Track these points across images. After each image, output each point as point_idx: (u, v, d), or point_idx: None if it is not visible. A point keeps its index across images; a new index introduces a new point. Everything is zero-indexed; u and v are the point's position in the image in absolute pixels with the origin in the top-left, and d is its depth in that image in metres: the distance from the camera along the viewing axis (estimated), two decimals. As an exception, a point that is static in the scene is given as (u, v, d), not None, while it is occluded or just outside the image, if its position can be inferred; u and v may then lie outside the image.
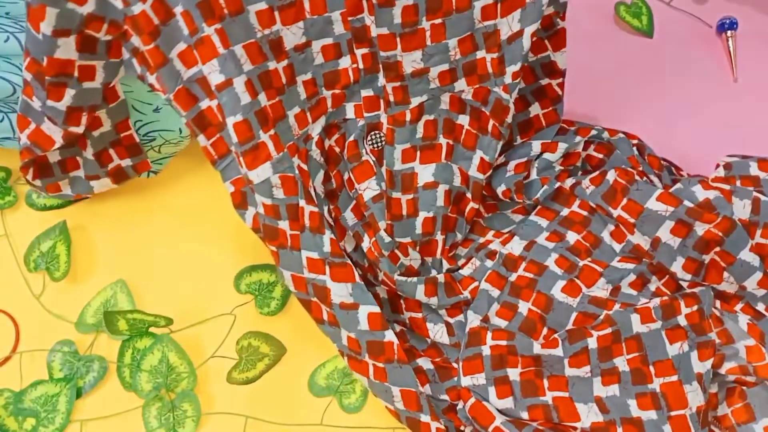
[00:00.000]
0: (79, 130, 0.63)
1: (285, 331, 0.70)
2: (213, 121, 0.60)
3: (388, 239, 0.67)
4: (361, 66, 0.67)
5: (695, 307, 0.63)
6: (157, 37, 0.58)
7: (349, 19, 0.64)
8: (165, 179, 0.78)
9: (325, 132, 0.69)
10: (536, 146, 0.73)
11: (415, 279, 0.66)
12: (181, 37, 0.58)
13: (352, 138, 0.70)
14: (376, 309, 0.63)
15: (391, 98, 0.66)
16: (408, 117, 0.67)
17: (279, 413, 0.66)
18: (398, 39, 0.64)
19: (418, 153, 0.69)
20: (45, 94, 0.61)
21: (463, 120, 0.69)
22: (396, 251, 0.67)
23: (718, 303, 0.66)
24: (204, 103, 0.60)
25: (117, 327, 0.66)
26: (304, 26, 0.64)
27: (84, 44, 0.60)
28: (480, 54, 0.67)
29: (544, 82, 0.75)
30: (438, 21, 0.65)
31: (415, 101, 0.67)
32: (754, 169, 0.71)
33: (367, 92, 0.69)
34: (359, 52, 0.66)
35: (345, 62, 0.67)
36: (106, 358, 0.67)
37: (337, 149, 0.70)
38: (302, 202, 0.62)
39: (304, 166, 0.65)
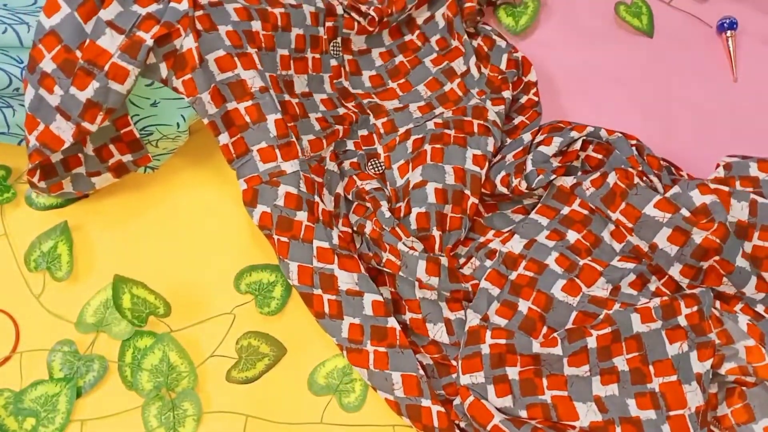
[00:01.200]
0: (93, 128, 0.64)
1: (285, 331, 0.70)
2: (237, 122, 0.68)
3: (388, 214, 0.70)
4: (355, 110, 0.79)
5: (695, 308, 0.63)
6: (199, 38, 0.65)
7: (334, 81, 0.79)
8: (165, 179, 0.78)
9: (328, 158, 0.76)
10: (527, 137, 0.78)
11: (417, 253, 0.68)
12: (221, 46, 0.66)
13: (355, 159, 0.77)
14: (380, 297, 0.67)
15: (382, 131, 0.80)
16: (397, 140, 0.79)
17: (279, 412, 0.66)
18: (374, 95, 0.82)
19: (411, 164, 0.76)
20: (70, 81, 0.62)
21: (450, 131, 0.76)
22: (396, 229, 0.70)
23: (717, 303, 0.66)
24: (231, 105, 0.67)
25: (121, 301, 0.66)
26: (307, 79, 0.77)
27: (129, 47, 0.63)
28: (447, 87, 0.83)
29: (524, 99, 0.84)
30: (402, 80, 0.84)
31: (402, 129, 0.80)
32: (753, 170, 0.71)
33: (362, 131, 0.80)
34: (348, 104, 0.80)
35: (342, 110, 0.78)
36: (107, 357, 0.67)
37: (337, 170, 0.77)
38: (317, 199, 0.69)
39: (318, 179, 0.72)
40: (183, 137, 0.73)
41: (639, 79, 0.89)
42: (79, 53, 0.63)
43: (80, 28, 0.63)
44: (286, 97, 0.72)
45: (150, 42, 0.63)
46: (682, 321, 0.62)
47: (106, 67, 0.62)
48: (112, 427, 0.65)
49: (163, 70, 0.65)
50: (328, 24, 0.78)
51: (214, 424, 0.65)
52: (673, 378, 0.61)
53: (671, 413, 0.60)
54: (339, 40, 0.81)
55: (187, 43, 0.64)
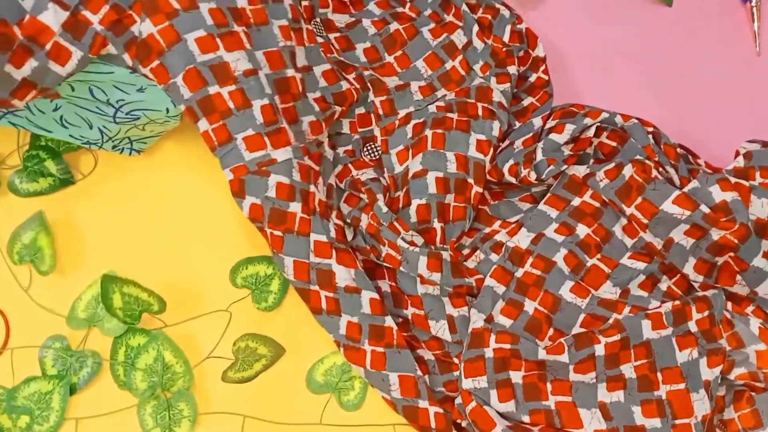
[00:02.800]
0: (20, 104, 0.59)
1: (282, 327, 0.68)
2: (219, 107, 0.62)
3: (385, 209, 0.67)
4: (356, 86, 0.73)
5: (706, 313, 0.61)
6: (175, 17, 0.59)
7: (328, 54, 0.72)
8: (156, 165, 0.74)
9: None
10: (537, 121, 0.73)
11: (418, 249, 0.65)
12: (202, 25, 0.60)
13: (349, 147, 0.73)
14: (377, 295, 0.65)
15: (380, 111, 0.74)
16: (397, 124, 0.74)
17: (277, 412, 0.65)
18: (372, 69, 0.76)
19: (411, 151, 0.72)
20: (6, 57, 0.57)
21: (452, 115, 0.72)
22: (395, 223, 0.67)
23: (729, 305, 0.64)
24: (213, 88, 0.62)
25: (111, 301, 0.63)
26: (305, 51, 0.70)
27: (73, 26, 0.57)
28: (449, 65, 0.77)
29: (533, 78, 0.79)
30: (398, 53, 0.77)
31: (402, 112, 0.75)
32: None
33: (359, 110, 0.75)
34: (349, 77, 0.73)
35: (345, 85, 0.72)
36: (100, 353, 0.66)
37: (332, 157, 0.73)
38: (312, 188, 0.65)
39: (316, 167, 0.67)
40: (173, 122, 0.69)
41: (656, 53, 0.84)
42: (17, 29, 0.57)
43: (16, 3, 0.56)
44: (289, 72, 0.66)
45: (98, 27, 0.57)
46: (692, 327, 0.60)
47: (48, 46, 0.57)
48: (107, 426, 0.64)
49: (128, 59, 0.60)
50: (304, 3, 0.73)
51: (211, 425, 0.64)
52: (681, 386, 0.59)
53: (677, 422, 0.59)
54: (318, 20, 0.75)
55: (145, 28, 0.59)
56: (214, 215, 0.72)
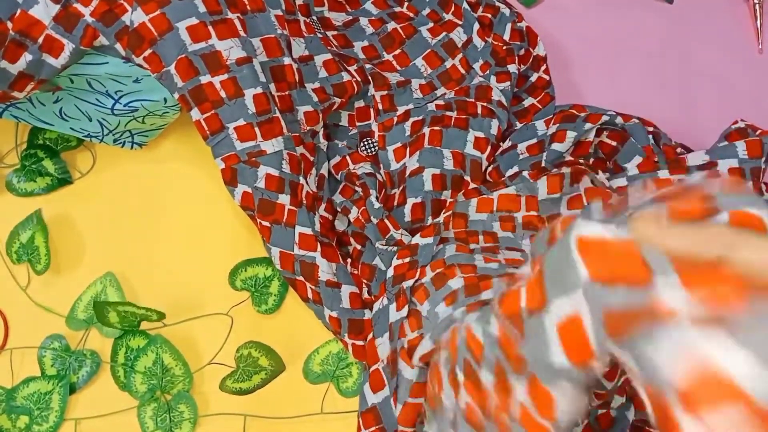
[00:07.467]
0: (20, 95, 0.60)
1: (282, 330, 0.68)
2: (210, 97, 0.62)
3: (377, 205, 0.67)
4: (357, 78, 0.72)
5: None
6: (166, 5, 0.59)
7: (328, 47, 0.71)
8: (155, 164, 0.73)
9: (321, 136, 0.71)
10: (540, 125, 0.73)
11: (395, 248, 0.66)
12: (194, 13, 0.60)
13: (345, 142, 0.73)
14: (357, 289, 0.66)
15: (380, 107, 0.74)
16: (395, 121, 0.74)
17: (278, 407, 0.65)
18: (372, 64, 0.76)
19: (408, 149, 0.72)
20: (0, 53, 0.57)
21: (451, 113, 0.72)
22: (385, 221, 0.67)
23: None
24: (204, 78, 0.61)
25: (108, 319, 0.64)
26: (304, 42, 0.69)
27: (64, 19, 0.57)
28: (448, 63, 0.77)
29: (534, 77, 0.78)
30: (397, 51, 0.78)
31: (401, 109, 0.74)
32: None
33: (359, 103, 0.74)
34: (351, 68, 0.72)
35: (346, 76, 0.71)
36: (99, 352, 0.66)
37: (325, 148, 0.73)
38: (302, 180, 0.65)
39: (310, 157, 0.67)
40: (172, 113, 0.69)
41: (658, 49, 0.84)
42: (10, 24, 0.57)
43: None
44: (286, 60, 0.65)
45: (90, 19, 0.57)
46: None
47: (40, 40, 0.57)
48: (107, 427, 0.64)
49: (120, 49, 0.59)
50: (299, 1, 0.72)
51: (212, 426, 0.64)
52: None
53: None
54: (315, 18, 0.74)
55: (137, 17, 0.58)
56: (212, 215, 0.72)
